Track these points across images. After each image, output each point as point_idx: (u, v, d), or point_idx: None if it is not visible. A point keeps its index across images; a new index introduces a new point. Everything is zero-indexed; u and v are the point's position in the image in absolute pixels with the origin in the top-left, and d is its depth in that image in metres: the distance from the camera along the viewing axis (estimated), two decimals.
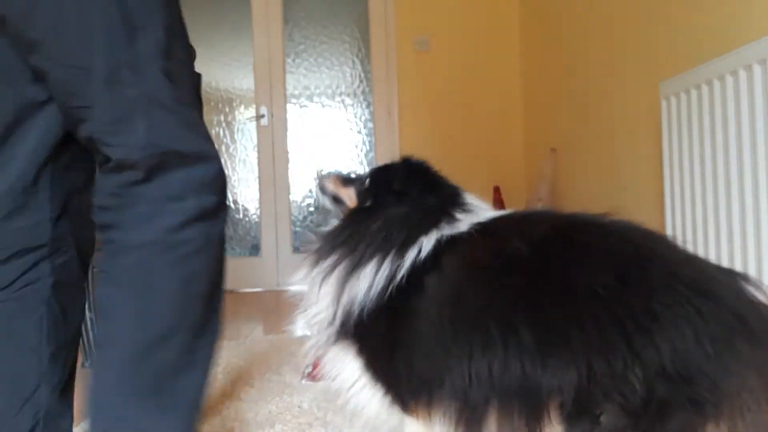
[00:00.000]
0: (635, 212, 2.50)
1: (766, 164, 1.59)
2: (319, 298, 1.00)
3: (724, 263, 1.76)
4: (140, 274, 0.83)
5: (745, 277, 0.76)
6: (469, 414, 0.82)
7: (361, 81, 4.12)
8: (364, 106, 4.11)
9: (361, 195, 1.07)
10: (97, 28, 0.79)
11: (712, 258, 1.82)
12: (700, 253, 1.87)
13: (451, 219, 0.99)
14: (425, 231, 0.95)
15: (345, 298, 0.95)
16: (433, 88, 4.07)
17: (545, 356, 0.73)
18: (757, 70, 1.61)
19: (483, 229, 0.93)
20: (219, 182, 0.89)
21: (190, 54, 0.94)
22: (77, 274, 0.95)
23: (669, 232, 2.07)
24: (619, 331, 0.68)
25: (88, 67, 0.80)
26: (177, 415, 0.85)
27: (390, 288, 0.91)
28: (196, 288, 0.87)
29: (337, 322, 0.96)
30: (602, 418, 0.69)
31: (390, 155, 4.08)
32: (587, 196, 3.06)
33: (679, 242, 0.85)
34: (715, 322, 0.67)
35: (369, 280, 0.93)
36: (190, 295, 0.86)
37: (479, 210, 1.06)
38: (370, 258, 0.94)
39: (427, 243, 0.93)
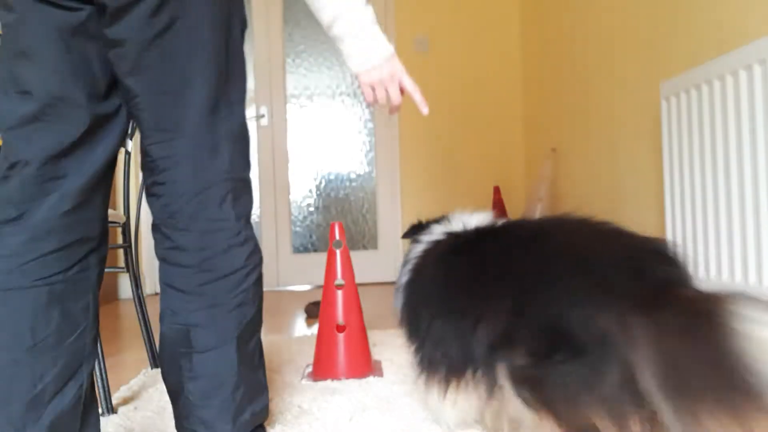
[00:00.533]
0: (635, 212, 2.51)
1: (766, 164, 1.59)
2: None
3: (724, 263, 1.76)
4: (226, 295, 1.03)
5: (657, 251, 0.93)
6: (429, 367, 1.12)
7: None
8: (364, 106, 4.11)
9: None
10: (203, 65, 0.97)
11: (712, 258, 1.82)
12: (700, 252, 1.87)
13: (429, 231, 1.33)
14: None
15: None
16: (433, 88, 4.06)
17: (478, 317, 1.00)
18: (757, 70, 1.61)
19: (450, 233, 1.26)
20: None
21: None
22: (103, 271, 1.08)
23: (669, 232, 2.07)
24: (525, 298, 0.94)
25: (185, 97, 0.97)
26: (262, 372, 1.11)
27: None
28: (261, 312, 1.10)
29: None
30: (517, 359, 0.92)
31: (390, 155, 4.09)
32: (587, 196, 3.06)
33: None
34: (589, 284, 0.88)
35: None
36: (260, 321, 1.11)
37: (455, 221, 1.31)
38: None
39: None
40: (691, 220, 1.93)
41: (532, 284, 0.94)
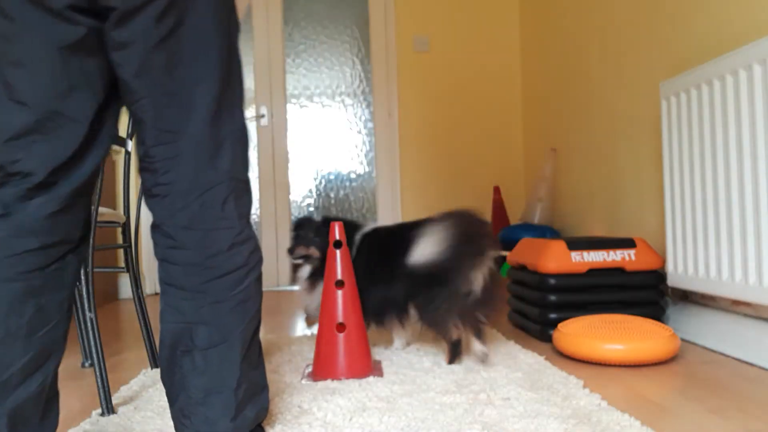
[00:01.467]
0: (635, 212, 2.51)
1: (767, 164, 1.59)
2: None
3: (724, 263, 1.76)
4: (226, 289, 1.05)
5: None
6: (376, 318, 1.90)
7: (361, 81, 4.12)
8: (364, 106, 4.11)
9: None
10: (208, 67, 0.99)
11: (712, 257, 1.82)
12: (700, 252, 1.87)
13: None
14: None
15: None
16: (433, 88, 4.07)
17: (386, 282, 1.84)
18: (757, 70, 1.61)
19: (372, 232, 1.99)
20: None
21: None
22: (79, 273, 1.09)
23: (669, 231, 2.07)
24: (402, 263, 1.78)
25: (191, 99, 0.99)
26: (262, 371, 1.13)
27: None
28: (259, 306, 1.11)
29: None
30: (413, 303, 1.80)
31: (390, 155, 4.09)
32: (587, 196, 3.06)
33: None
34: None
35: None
36: (259, 317, 1.11)
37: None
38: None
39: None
40: (691, 220, 1.93)
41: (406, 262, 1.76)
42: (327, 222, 1.91)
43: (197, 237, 1.01)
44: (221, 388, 1.03)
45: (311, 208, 4.12)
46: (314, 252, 1.98)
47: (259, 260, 1.09)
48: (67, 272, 1.00)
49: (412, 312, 1.80)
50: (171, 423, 1.08)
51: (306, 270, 2.02)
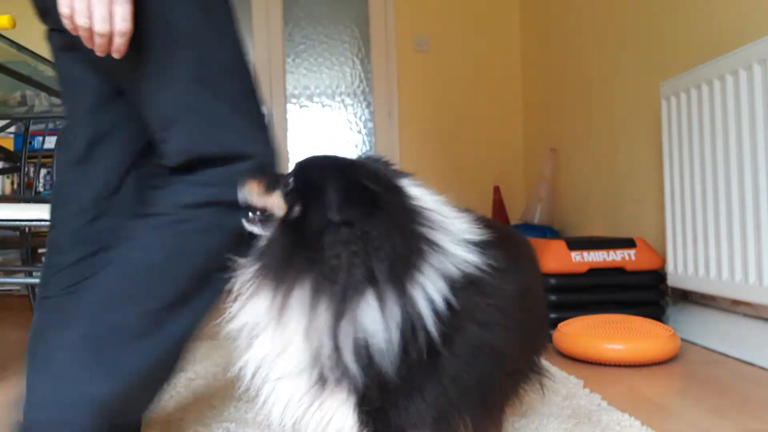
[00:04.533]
0: (635, 212, 2.51)
1: (766, 164, 1.59)
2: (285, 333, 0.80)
3: (724, 263, 1.76)
4: (132, 237, 0.93)
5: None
6: None
7: (361, 81, 4.12)
8: (364, 106, 4.11)
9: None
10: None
11: (712, 257, 1.82)
12: (700, 252, 1.87)
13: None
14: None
15: (345, 337, 0.76)
16: (433, 88, 4.06)
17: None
18: (757, 70, 1.60)
19: None
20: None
21: (235, 56, 1.05)
22: None
23: (669, 231, 2.07)
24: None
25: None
26: (109, 375, 0.87)
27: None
28: (183, 265, 0.92)
29: (331, 365, 0.77)
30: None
31: (390, 155, 4.08)
32: (587, 196, 3.06)
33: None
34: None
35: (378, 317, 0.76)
36: (172, 270, 0.92)
37: None
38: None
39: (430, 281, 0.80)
40: (691, 219, 1.93)
41: None
42: None
43: None
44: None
45: None
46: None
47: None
48: None
49: None
50: (172, 422, 1.08)
51: None
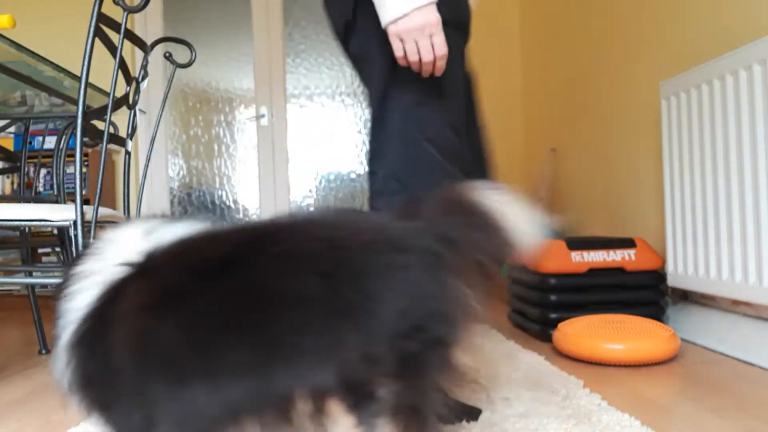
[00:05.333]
0: (635, 212, 2.51)
1: (766, 164, 1.59)
2: None
3: (724, 263, 1.76)
4: None
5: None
6: None
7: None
8: (364, 106, 4.11)
9: None
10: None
11: (712, 257, 1.82)
12: (700, 252, 1.87)
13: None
14: None
15: None
16: None
17: (278, 371, 0.69)
18: (757, 70, 1.61)
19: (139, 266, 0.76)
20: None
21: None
22: None
23: (669, 231, 2.07)
24: (345, 321, 0.69)
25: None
26: None
27: None
28: None
29: None
30: (379, 392, 0.73)
31: None
32: (587, 197, 3.06)
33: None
34: (413, 267, 0.71)
35: None
36: None
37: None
38: None
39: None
40: (691, 219, 1.93)
41: None
42: None
43: None
44: None
45: (311, 208, 4.12)
46: None
47: None
48: None
49: None
50: None
51: None
